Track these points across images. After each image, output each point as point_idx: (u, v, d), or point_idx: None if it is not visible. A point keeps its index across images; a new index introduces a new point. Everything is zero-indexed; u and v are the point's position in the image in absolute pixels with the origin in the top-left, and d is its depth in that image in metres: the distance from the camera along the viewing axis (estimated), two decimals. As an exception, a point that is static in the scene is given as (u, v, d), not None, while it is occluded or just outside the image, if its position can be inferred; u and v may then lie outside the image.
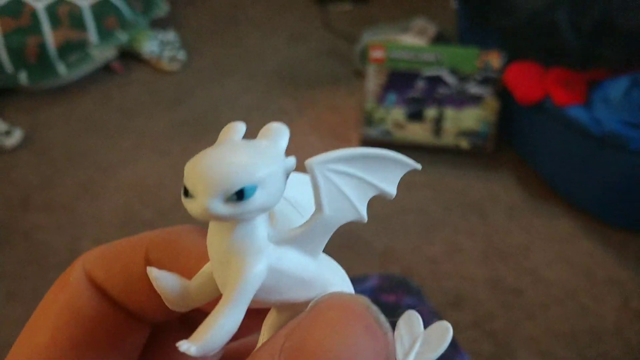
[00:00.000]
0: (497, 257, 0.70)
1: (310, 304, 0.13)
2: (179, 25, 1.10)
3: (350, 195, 0.13)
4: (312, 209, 0.14)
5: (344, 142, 0.84)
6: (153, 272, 0.14)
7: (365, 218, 0.14)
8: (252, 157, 0.12)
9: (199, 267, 0.14)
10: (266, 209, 0.12)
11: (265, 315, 0.15)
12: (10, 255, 0.69)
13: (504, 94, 0.78)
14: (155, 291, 0.15)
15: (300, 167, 0.13)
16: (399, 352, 0.14)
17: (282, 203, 0.14)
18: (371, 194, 0.14)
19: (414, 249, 0.70)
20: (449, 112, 0.80)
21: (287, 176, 0.13)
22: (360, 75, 0.96)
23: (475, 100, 0.79)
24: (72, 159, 0.83)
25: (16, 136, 0.85)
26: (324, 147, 0.83)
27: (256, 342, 0.15)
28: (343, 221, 0.13)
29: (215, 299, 0.13)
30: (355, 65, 0.98)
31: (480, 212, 0.75)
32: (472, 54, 0.77)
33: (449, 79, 0.79)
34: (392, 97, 0.80)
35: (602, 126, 0.68)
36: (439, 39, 0.94)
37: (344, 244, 0.70)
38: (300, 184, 0.15)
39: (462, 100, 0.79)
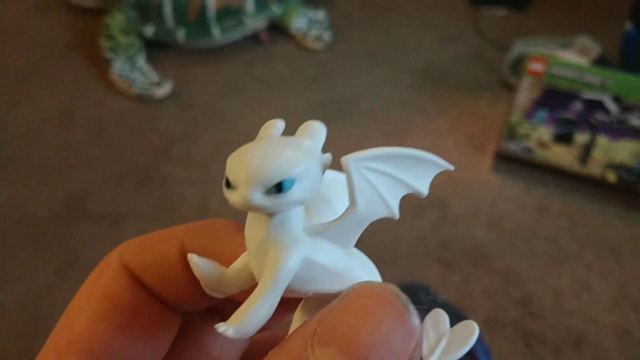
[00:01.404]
0: (630, 306, 0.64)
1: (343, 292, 0.13)
2: (330, 6, 1.11)
3: (383, 193, 0.14)
4: (345, 205, 0.14)
5: (479, 151, 0.81)
6: (194, 259, 0.14)
7: (397, 215, 0.14)
8: (291, 152, 0.13)
9: (235, 256, 0.15)
10: (303, 202, 0.13)
11: (293, 308, 0.15)
12: (146, 198, 0.73)
13: (668, 133, 0.71)
14: (189, 281, 0.16)
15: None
16: (425, 348, 0.14)
17: (317, 198, 0.15)
18: (404, 192, 0.14)
19: (539, 278, 0.66)
20: (602, 141, 0.74)
21: (324, 172, 0.13)
22: (505, 85, 0.92)
23: (636, 133, 0.72)
24: (212, 118, 0.86)
25: (165, 88, 0.90)
26: (458, 152, 0.80)
27: (283, 335, 0.15)
28: (375, 217, 0.14)
29: (249, 288, 0.14)
30: (502, 75, 0.93)
31: (618, 255, 0.70)
32: (644, 84, 0.71)
33: (611, 105, 0.73)
34: (542, 114, 0.76)
35: None
36: (601, 62, 0.87)
37: (465, 252, 0.67)
38: (334, 181, 0.15)
39: (620, 130, 0.73)
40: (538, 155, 0.77)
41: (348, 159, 0.13)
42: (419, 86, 0.93)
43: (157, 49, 0.98)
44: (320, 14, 1.05)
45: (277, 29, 1.03)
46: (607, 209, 0.74)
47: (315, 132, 0.14)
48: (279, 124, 0.14)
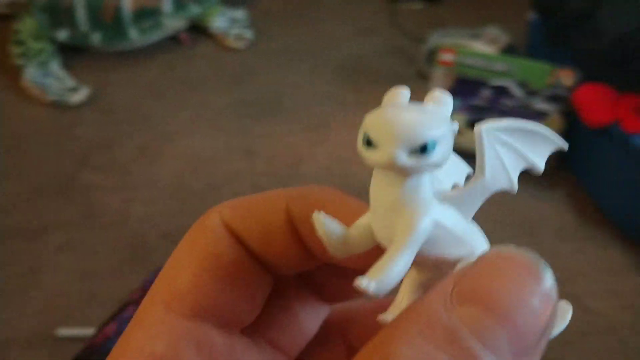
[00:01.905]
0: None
1: (462, 262, 0.14)
2: (251, 5, 1.11)
3: (507, 164, 0.14)
4: (450, 180, 0.15)
5: (400, 142, 0.84)
6: (321, 217, 0.14)
7: (517, 188, 0.14)
8: (431, 116, 0.13)
9: (348, 218, 0.15)
10: (440, 165, 0.13)
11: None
12: (66, 209, 0.72)
13: (569, 114, 0.76)
14: (293, 245, 0.16)
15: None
16: None
17: None
18: (523, 165, 0.15)
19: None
20: (511, 125, 0.78)
21: (453, 139, 0.14)
22: (423, 76, 0.95)
23: (540, 116, 0.77)
24: (132, 122, 0.85)
25: (82, 93, 0.87)
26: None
27: (359, 306, 0.15)
28: (497, 188, 0.14)
29: (364, 256, 0.14)
30: (419, 66, 0.97)
31: (530, 232, 0.74)
32: (545, 69, 0.76)
33: (516, 91, 0.77)
34: (455, 102, 0.79)
35: (671, 160, 0.66)
36: (509, 50, 0.92)
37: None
38: None
39: (526, 114, 0.77)
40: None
41: (482, 128, 0.14)
42: (339, 80, 0.95)
43: (73, 53, 0.95)
44: (240, 13, 1.05)
45: (198, 29, 1.03)
46: (520, 189, 0.79)
47: (445, 100, 0.14)
48: (406, 92, 0.14)
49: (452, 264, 0.14)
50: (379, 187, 0.14)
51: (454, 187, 0.15)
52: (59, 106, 0.86)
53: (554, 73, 0.75)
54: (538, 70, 0.76)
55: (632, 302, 0.67)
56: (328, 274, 0.17)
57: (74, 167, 0.77)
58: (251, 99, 0.90)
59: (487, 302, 0.12)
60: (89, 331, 0.53)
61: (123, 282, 0.60)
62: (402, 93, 0.14)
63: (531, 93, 0.77)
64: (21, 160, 0.78)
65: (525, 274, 0.12)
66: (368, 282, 0.13)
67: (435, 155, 0.13)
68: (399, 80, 0.96)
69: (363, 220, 0.15)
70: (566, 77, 0.75)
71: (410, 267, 0.14)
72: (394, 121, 0.13)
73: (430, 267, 0.15)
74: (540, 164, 0.15)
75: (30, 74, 0.88)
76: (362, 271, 0.13)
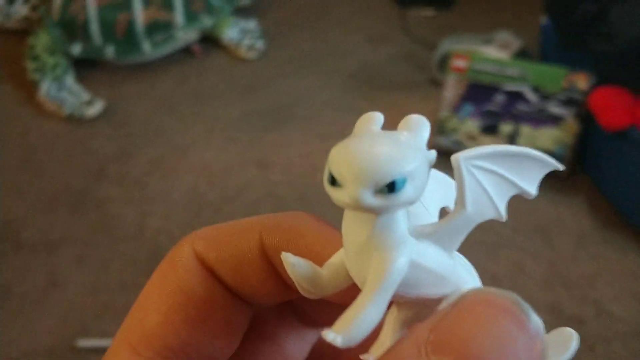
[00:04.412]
0: (560, 283, 0.67)
1: (447, 300, 0.13)
2: (262, 16, 1.11)
3: (492, 193, 0.13)
4: (437, 205, 0.14)
5: (413, 149, 0.83)
6: (290, 258, 0.13)
7: (505, 217, 0.14)
8: (401, 149, 0.12)
9: (325, 253, 0.14)
10: (412, 202, 0.12)
11: None
12: (81, 222, 0.72)
13: (585, 117, 0.75)
14: (268, 276, 0.15)
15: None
16: None
17: None
18: (511, 192, 0.14)
19: (477, 265, 0.69)
20: (525, 130, 0.78)
21: (429, 170, 0.13)
22: (435, 83, 0.95)
23: (555, 120, 0.76)
24: (146, 135, 0.86)
25: (97, 107, 0.88)
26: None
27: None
28: (482, 219, 0.13)
29: (345, 289, 0.14)
30: (431, 73, 0.96)
31: (547, 236, 0.73)
32: (559, 73, 0.75)
33: (531, 96, 0.77)
34: (468, 108, 0.79)
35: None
36: (522, 55, 0.91)
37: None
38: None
39: (541, 119, 0.77)
40: (468, 147, 0.80)
41: (459, 157, 0.13)
42: (352, 88, 0.95)
43: (86, 67, 0.96)
44: (252, 24, 1.05)
45: (210, 40, 1.03)
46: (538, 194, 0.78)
47: (420, 126, 0.13)
48: (378, 117, 0.13)
49: (437, 300, 0.13)
50: (349, 227, 0.13)
51: (443, 210, 0.15)
52: (75, 120, 0.87)
53: (568, 77, 0.75)
54: (552, 74, 0.75)
55: (655, 308, 0.65)
56: (312, 301, 0.16)
57: (89, 181, 0.78)
58: (264, 109, 0.91)
59: (464, 352, 0.11)
60: (108, 342, 0.53)
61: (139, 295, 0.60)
62: (375, 119, 0.13)
63: (546, 97, 0.76)
64: (37, 174, 0.79)
65: (505, 318, 0.12)
66: (334, 337, 0.12)
67: (405, 194, 0.12)
68: (412, 87, 0.96)
69: (336, 259, 0.14)
70: (581, 80, 0.75)
71: (392, 305, 0.14)
72: (357, 157, 0.11)
73: (413, 305, 0.14)
74: (531, 190, 0.14)
75: (46, 89, 0.89)
76: (346, 304, 0.12)
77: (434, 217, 0.15)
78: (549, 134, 0.77)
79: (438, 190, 0.14)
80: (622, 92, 0.73)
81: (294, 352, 0.18)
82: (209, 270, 0.15)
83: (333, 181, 0.12)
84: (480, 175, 0.13)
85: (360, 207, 0.12)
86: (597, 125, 0.73)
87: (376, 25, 1.11)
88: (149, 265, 0.68)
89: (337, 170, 0.12)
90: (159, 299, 0.15)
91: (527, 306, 0.12)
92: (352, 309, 0.12)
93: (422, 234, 0.13)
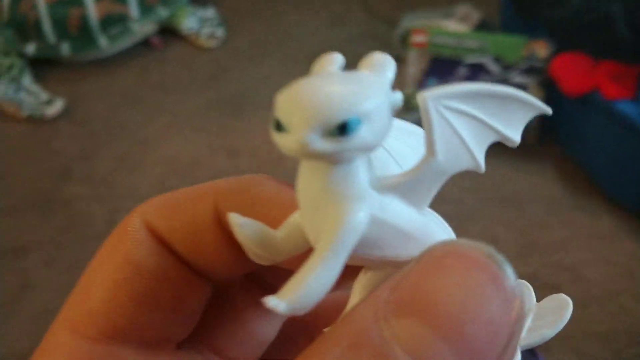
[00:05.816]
0: (534, 251, 0.68)
1: (417, 255, 0.11)
2: (219, 3, 1.09)
3: (467, 139, 0.12)
4: (413, 160, 0.12)
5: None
6: (236, 219, 0.12)
7: (483, 168, 0.12)
8: (356, 87, 0.10)
9: (283, 216, 0.12)
10: (370, 149, 0.11)
11: (353, 276, 0.13)
12: (50, 224, 0.70)
13: (548, 85, 0.76)
14: (225, 245, 0.14)
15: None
16: None
17: (380, 150, 0.12)
18: (491, 139, 0.12)
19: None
20: (491, 101, 0.78)
21: (393, 113, 0.11)
22: (399, 60, 0.95)
23: (519, 89, 0.77)
24: (110, 131, 0.84)
25: (57, 106, 0.86)
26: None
27: (328, 306, 0.13)
28: (456, 169, 0.12)
29: (302, 254, 0.12)
30: (394, 50, 0.96)
31: (519, 205, 0.74)
32: (518, 42, 0.75)
33: (492, 67, 0.77)
34: (433, 82, 0.79)
35: (651, 122, 0.66)
36: (483, 27, 0.92)
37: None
38: (400, 131, 0.13)
39: (505, 89, 0.77)
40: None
41: (426, 96, 0.11)
42: (316, 71, 0.95)
43: (44, 66, 0.93)
44: (209, 12, 1.03)
45: (169, 32, 1.01)
46: (504, 164, 0.79)
47: (383, 65, 0.11)
48: (337, 58, 0.12)
49: (406, 263, 0.11)
50: (304, 179, 0.11)
51: None
52: (35, 121, 0.85)
53: (528, 45, 0.75)
54: (511, 44, 0.76)
55: (628, 268, 0.67)
56: (279, 272, 0.15)
57: (55, 181, 0.76)
58: (227, 97, 0.89)
59: (428, 313, 0.10)
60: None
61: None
62: (333, 59, 0.12)
63: (507, 67, 0.77)
64: (0, 178, 0.76)
65: (477, 272, 0.10)
66: (277, 303, 0.10)
67: (360, 137, 0.10)
68: (376, 66, 0.95)
69: (292, 219, 0.12)
70: (541, 48, 0.75)
71: (361, 271, 0.12)
72: (305, 96, 0.10)
73: (383, 270, 0.12)
74: (514, 136, 0.12)
75: (3, 91, 0.86)
76: None
77: None
78: (513, 104, 0.77)
79: (418, 147, 0.12)
80: (581, 57, 0.74)
81: (262, 330, 0.16)
82: (161, 242, 0.14)
83: (279, 127, 0.10)
84: (453, 118, 0.11)
85: (309, 154, 0.10)
86: (561, 92, 0.74)
87: (336, 5, 1.10)
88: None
89: (282, 112, 0.10)
90: (104, 274, 0.14)
91: (502, 260, 0.10)
92: (301, 272, 0.10)
93: (386, 186, 0.11)
